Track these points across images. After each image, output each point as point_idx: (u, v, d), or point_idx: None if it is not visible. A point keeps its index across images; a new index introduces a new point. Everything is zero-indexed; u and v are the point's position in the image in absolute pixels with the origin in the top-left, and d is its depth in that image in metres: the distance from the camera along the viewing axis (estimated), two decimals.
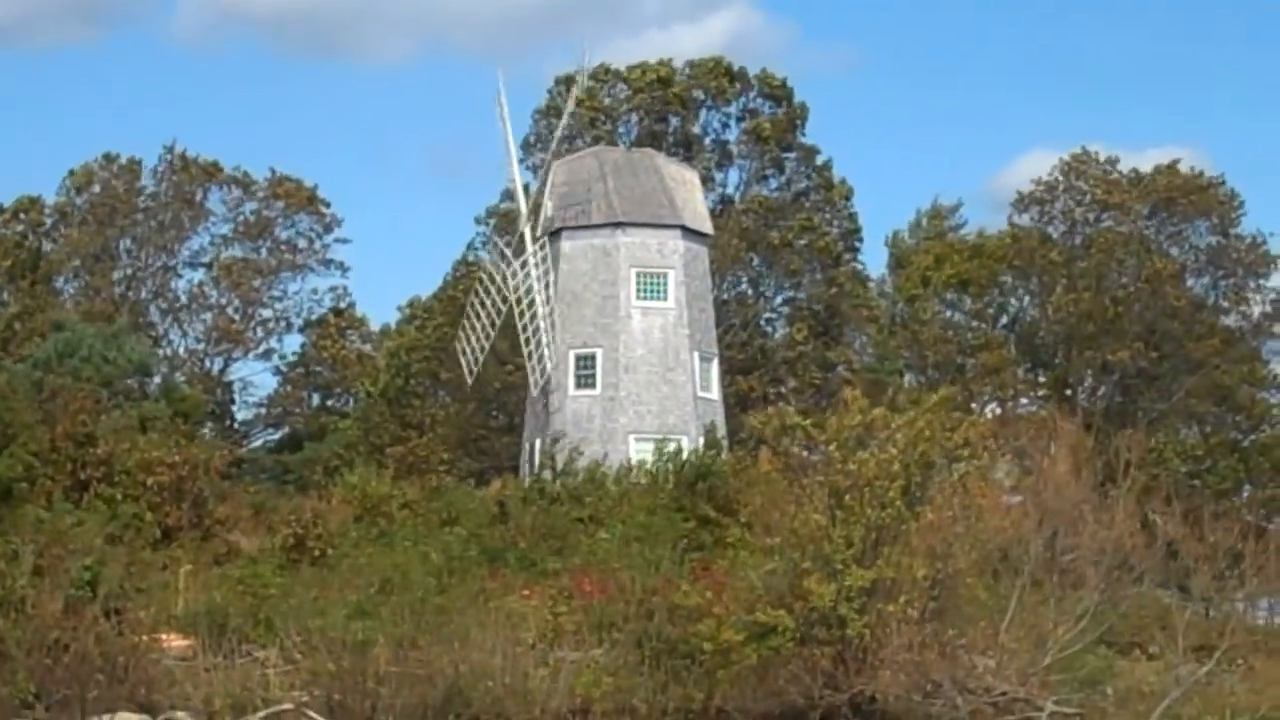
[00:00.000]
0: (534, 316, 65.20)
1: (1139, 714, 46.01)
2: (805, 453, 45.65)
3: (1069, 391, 78.18)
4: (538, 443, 65.49)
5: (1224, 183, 77.76)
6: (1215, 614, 50.85)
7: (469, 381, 67.51)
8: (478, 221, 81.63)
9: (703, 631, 42.30)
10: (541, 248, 66.23)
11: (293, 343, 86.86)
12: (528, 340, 65.63)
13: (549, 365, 65.41)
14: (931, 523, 42.95)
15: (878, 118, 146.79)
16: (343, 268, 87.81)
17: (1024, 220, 78.76)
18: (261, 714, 42.83)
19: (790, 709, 43.36)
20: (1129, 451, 49.38)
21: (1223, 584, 49.72)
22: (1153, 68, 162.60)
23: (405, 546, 49.82)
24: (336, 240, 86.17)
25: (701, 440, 61.17)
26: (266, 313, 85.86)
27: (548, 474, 61.07)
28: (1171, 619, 47.51)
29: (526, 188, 68.22)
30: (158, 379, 67.13)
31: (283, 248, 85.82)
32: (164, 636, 45.73)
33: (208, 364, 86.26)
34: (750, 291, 77.81)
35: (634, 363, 64.28)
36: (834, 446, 44.14)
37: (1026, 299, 78.55)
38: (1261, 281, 78.82)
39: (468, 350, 67.62)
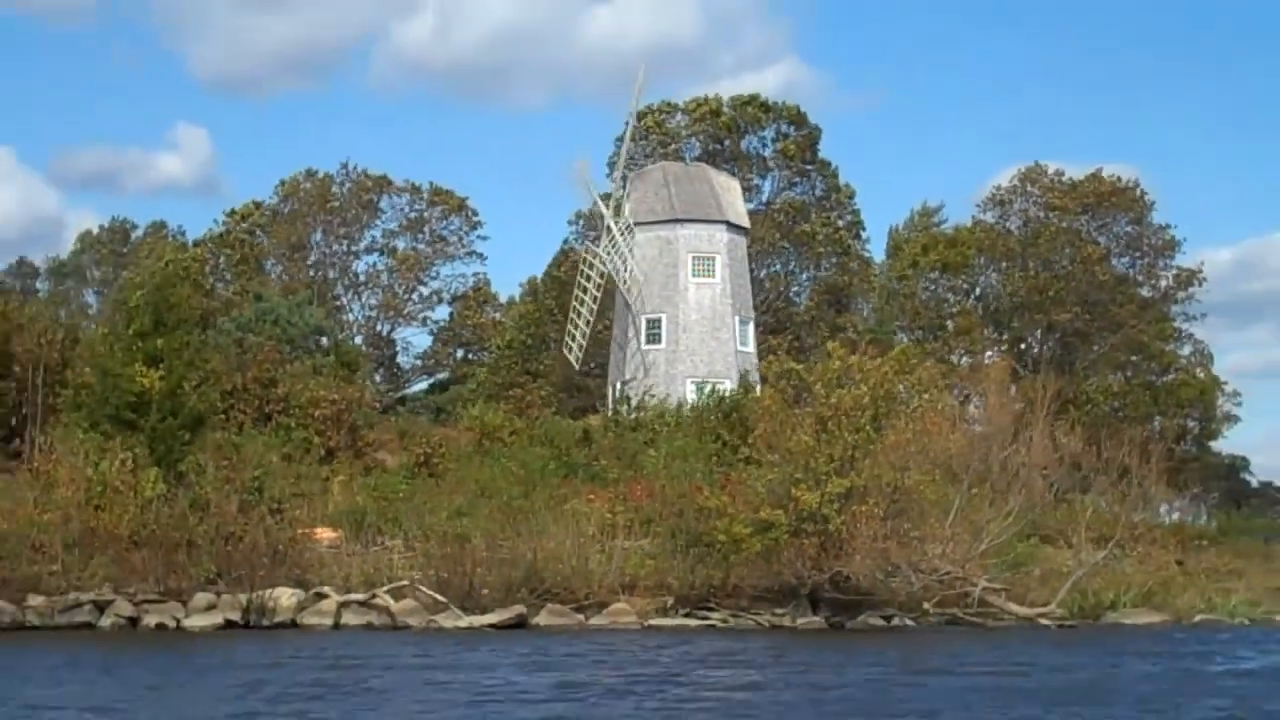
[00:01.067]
0: (622, 288, 66.54)
1: (1054, 588, 45.76)
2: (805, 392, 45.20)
3: (1022, 346, 77.72)
4: (618, 385, 65.38)
5: (1138, 185, 77.37)
6: (1112, 513, 50.28)
7: (578, 351, 66.86)
8: (570, 222, 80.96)
9: (719, 526, 42.15)
10: (625, 236, 65.98)
11: (443, 311, 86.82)
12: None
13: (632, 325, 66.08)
14: (894, 443, 42.52)
15: (889, 141, 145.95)
16: (481, 256, 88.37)
17: (989, 217, 77.81)
18: (386, 588, 42.53)
19: (786, 586, 43.44)
20: (1044, 390, 49.20)
21: (1118, 490, 49.29)
22: (1088, 99, 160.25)
23: (501, 463, 49.37)
24: (479, 236, 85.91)
25: (737, 384, 60.91)
26: (424, 289, 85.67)
27: (623, 409, 60.77)
28: (1078, 517, 47.14)
29: (607, 196, 66.49)
30: (329, 338, 66.51)
31: (438, 241, 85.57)
32: (317, 530, 45.58)
33: (379, 328, 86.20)
34: (781, 271, 77.37)
35: (690, 324, 64.80)
36: (819, 385, 43.88)
37: (992, 277, 77.42)
38: (1168, 261, 78.17)
39: (578, 322, 67.47)
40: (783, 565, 42.39)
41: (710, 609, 43.08)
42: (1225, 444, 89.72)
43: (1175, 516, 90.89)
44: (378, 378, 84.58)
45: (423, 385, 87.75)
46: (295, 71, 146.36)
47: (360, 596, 42.00)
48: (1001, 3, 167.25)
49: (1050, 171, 78.20)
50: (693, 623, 42.36)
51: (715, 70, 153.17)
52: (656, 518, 45.45)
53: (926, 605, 42.76)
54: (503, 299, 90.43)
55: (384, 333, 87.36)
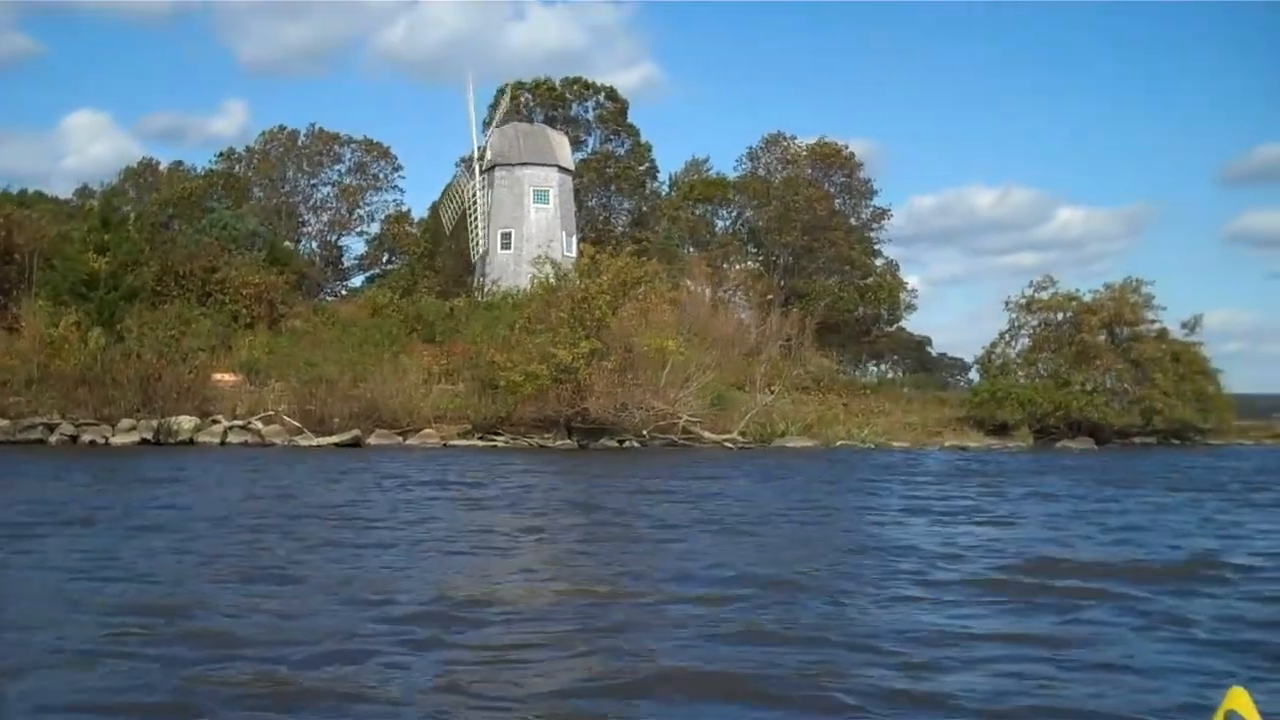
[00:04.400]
0: (479, 211, 63.69)
1: (735, 419, 43.70)
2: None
3: (771, 260, 75.32)
4: (481, 278, 63.31)
5: (848, 148, 75.18)
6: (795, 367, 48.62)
7: (479, 250, 64.27)
8: (456, 164, 77.95)
9: (501, 375, 39.69)
10: (484, 174, 63.70)
11: (375, 227, 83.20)
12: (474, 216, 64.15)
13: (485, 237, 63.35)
14: (625, 317, 40.27)
15: (688, 114, 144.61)
16: (401, 190, 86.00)
17: (746, 167, 75.44)
18: (259, 416, 40.25)
19: (551, 418, 40.98)
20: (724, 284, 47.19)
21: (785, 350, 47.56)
22: (839, 85, 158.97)
23: (356, 329, 46.74)
24: (400, 175, 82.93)
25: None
26: (362, 211, 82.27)
27: (477, 294, 58.93)
28: (754, 370, 45.24)
29: (483, 149, 63.96)
30: (263, 239, 63.24)
31: (371, 178, 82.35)
32: (220, 375, 43.33)
33: (330, 238, 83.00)
34: (599, 203, 74.21)
35: (531, 236, 62.68)
36: (576, 274, 41.55)
37: (749, 211, 74.87)
38: (867, 201, 76.21)
39: (475, 231, 64.34)
40: (547, 404, 40.28)
41: (497, 434, 41.05)
42: (915, 327, 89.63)
43: (881, 373, 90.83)
44: (329, 273, 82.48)
45: (360, 280, 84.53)
46: (308, 61, 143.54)
47: (240, 422, 39.75)
48: (781, 22, 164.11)
49: (787, 137, 75.84)
50: (481, 443, 40.33)
51: (595, 70, 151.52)
52: (463, 369, 43.26)
53: (645, 433, 40.75)
54: (416, 218, 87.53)
55: (333, 241, 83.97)
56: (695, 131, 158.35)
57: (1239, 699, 4.01)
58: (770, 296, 68.38)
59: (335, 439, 39.17)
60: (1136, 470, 34.60)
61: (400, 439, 40.28)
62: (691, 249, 73.54)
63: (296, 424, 39.60)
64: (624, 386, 40.06)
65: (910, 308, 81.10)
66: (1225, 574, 13.92)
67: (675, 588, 11.72)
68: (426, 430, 40.75)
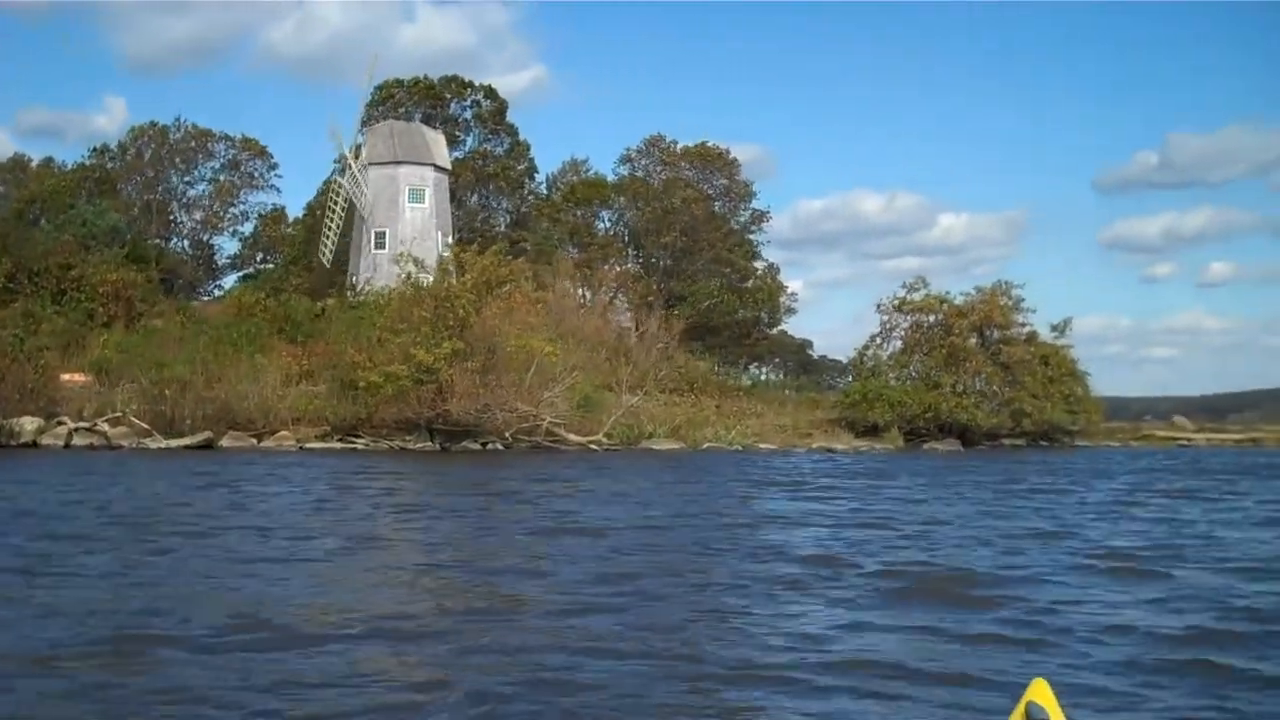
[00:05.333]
0: (357, 210, 62.74)
1: (602, 421, 43.13)
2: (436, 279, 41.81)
3: (650, 262, 74.86)
4: (355, 278, 61.95)
5: (729, 152, 75.23)
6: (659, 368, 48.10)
7: (328, 253, 62.57)
8: (334, 163, 76.24)
9: (361, 376, 38.49)
10: (359, 173, 62.31)
11: (250, 227, 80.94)
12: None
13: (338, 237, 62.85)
14: (489, 316, 39.33)
15: (579, 117, 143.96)
16: (277, 189, 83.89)
17: (625, 169, 74.89)
18: (106, 417, 38.73)
19: (412, 420, 39.89)
20: (601, 286, 46.58)
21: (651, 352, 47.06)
22: (735, 94, 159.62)
23: (219, 327, 45.21)
24: (275, 174, 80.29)
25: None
26: (236, 210, 79.85)
27: (349, 294, 57.70)
28: (622, 372, 44.65)
29: (358, 146, 62.54)
30: (125, 236, 61.26)
31: (246, 176, 79.99)
32: (69, 375, 41.57)
33: (203, 236, 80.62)
34: (478, 200, 73.08)
35: (405, 236, 60.86)
36: (440, 272, 40.63)
37: (630, 213, 74.25)
38: (745, 204, 76.25)
39: (329, 232, 62.88)
40: (408, 405, 39.21)
41: (358, 436, 39.94)
42: (800, 330, 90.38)
43: (763, 376, 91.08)
44: (201, 272, 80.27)
45: (233, 279, 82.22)
46: (191, 58, 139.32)
47: (86, 424, 38.13)
48: (673, 26, 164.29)
49: (667, 140, 75.56)
50: (339, 446, 39.23)
51: (486, 72, 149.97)
52: (323, 369, 42.03)
53: (507, 435, 39.94)
54: (291, 217, 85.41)
55: (206, 239, 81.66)
56: (585, 134, 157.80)
57: (1040, 690, 4.08)
58: (650, 298, 68.11)
59: (186, 441, 37.86)
60: (983, 471, 34.55)
61: (255, 441, 39.05)
62: (572, 250, 73.00)
63: (145, 426, 38.16)
64: (487, 388, 39.20)
65: (790, 311, 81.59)
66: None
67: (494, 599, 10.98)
68: (283, 432, 39.56)
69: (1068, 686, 6.89)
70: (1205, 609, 10.16)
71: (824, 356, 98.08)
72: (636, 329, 62.15)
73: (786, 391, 69.16)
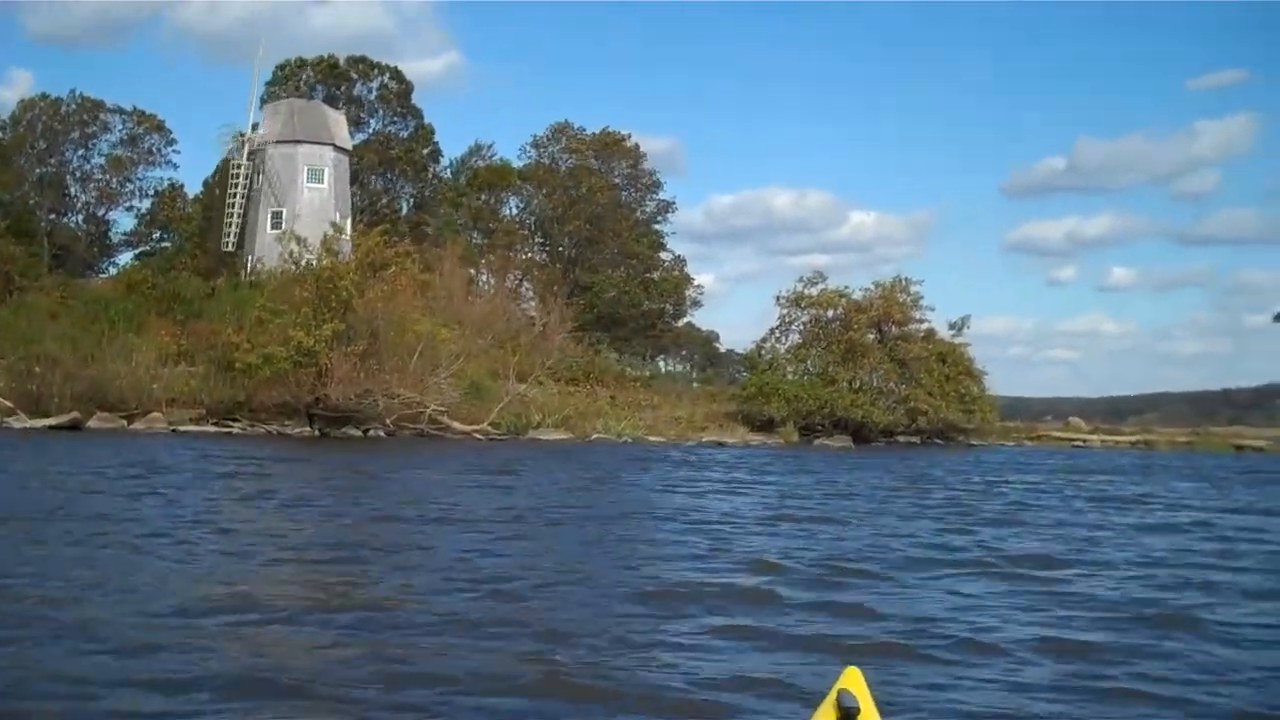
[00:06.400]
0: (251, 188, 60.91)
1: (506, 411, 42.22)
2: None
3: (556, 250, 73.95)
4: (250, 258, 60.31)
5: (631, 138, 74.18)
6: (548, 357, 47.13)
7: (232, 237, 60.69)
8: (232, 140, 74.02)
9: (239, 357, 37.16)
10: (257, 151, 60.90)
11: (146, 203, 78.54)
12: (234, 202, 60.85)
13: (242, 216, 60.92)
14: (372, 299, 38.19)
15: (493, 104, 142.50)
16: (175, 165, 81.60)
17: (531, 156, 73.75)
18: None
19: (292, 404, 38.63)
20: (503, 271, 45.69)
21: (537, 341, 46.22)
22: (651, 85, 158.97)
23: (93, 303, 43.65)
24: (174, 150, 77.90)
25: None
26: (132, 186, 77.41)
27: (241, 274, 56.25)
28: (509, 359, 43.73)
29: (256, 126, 61.09)
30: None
31: (145, 152, 77.62)
32: None
33: (98, 212, 78.18)
34: (381, 183, 71.57)
35: (303, 216, 58.95)
36: (323, 253, 39.46)
37: (537, 199, 73.17)
38: (653, 194, 75.48)
39: (232, 215, 60.89)
40: (288, 388, 38.06)
41: (234, 420, 38.64)
42: (709, 323, 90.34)
43: (670, 369, 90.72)
44: (96, 249, 77.96)
45: (129, 255, 79.93)
46: (101, 34, 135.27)
47: None
48: (590, 16, 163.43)
49: (575, 127, 74.41)
50: (213, 429, 37.91)
51: (401, 57, 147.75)
52: (200, 349, 40.63)
53: (388, 421, 38.87)
54: (190, 194, 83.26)
55: (101, 215, 79.26)
56: (500, 121, 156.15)
57: (852, 678, 4.11)
58: (555, 287, 67.18)
59: (51, 421, 36.35)
60: (846, 468, 34.19)
61: (125, 423, 37.62)
62: (476, 236, 71.89)
63: (9, 404, 36.59)
64: (369, 373, 38.12)
65: (696, 303, 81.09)
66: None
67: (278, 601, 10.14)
68: (154, 414, 38.16)
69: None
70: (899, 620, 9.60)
71: (731, 350, 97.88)
72: (541, 317, 61.33)
73: (694, 384, 68.84)
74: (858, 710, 3.87)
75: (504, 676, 7.02)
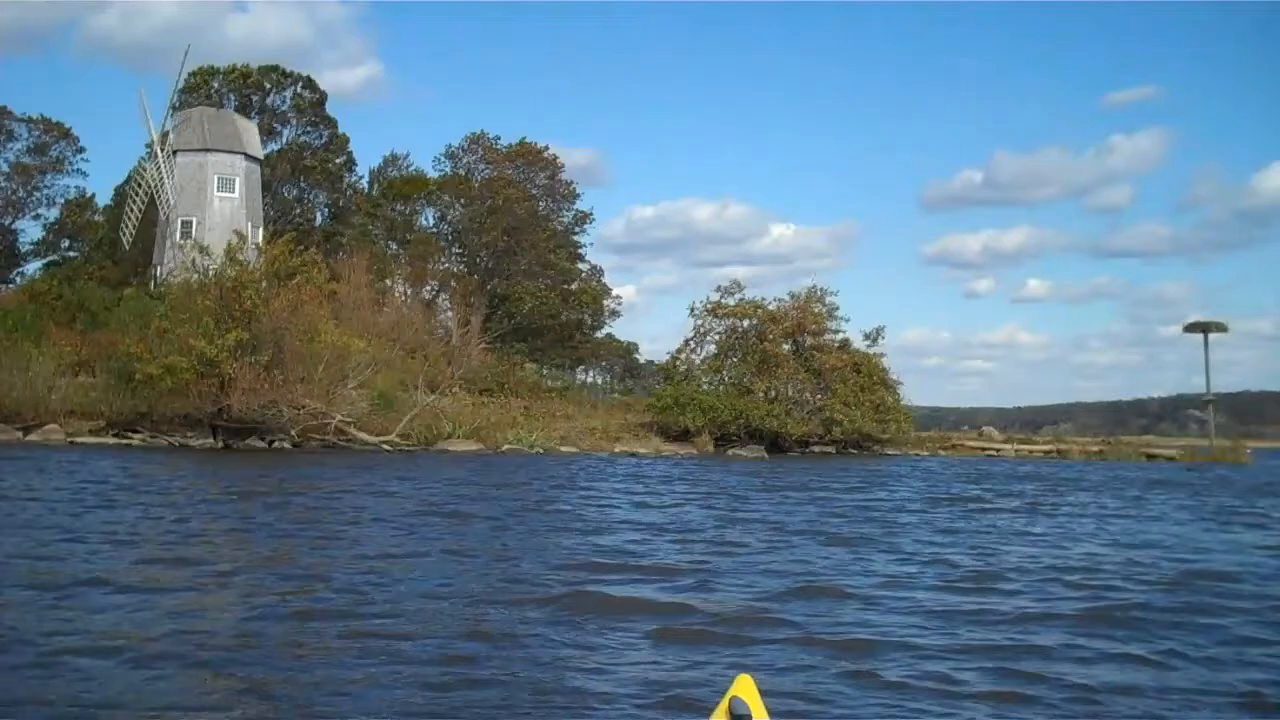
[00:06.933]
0: (162, 198, 59.49)
1: (419, 423, 41.54)
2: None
3: (474, 261, 73.24)
4: (158, 268, 59.26)
5: (549, 149, 73.94)
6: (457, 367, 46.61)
7: (128, 237, 59.63)
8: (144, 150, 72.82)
9: (140, 368, 36.24)
10: (168, 159, 59.56)
11: (54, 213, 77.05)
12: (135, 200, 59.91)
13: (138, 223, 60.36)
14: (277, 308, 37.39)
15: (412, 114, 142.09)
16: (84, 174, 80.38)
17: (447, 167, 73.05)
18: None
19: (195, 415, 37.73)
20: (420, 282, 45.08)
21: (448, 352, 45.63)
22: (568, 97, 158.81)
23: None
24: (83, 159, 76.64)
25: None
26: (39, 195, 75.88)
27: (150, 284, 55.26)
28: (417, 369, 43.08)
29: (167, 134, 59.71)
30: None
31: (53, 160, 76.06)
32: None
33: (4, 221, 76.49)
34: (294, 193, 70.55)
35: (213, 226, 58.46)
36: (227, 261, 38.66)
37: (453, 211, 72.43)
38: (570, 204, 75.18)
39: (129, 218, 60.16)
40: (190, 399, 37.17)
41: (135, 431, 37.72)
42: (629, 334, 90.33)
43: (589, 380, 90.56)
44: (2, 259, 76.40)
45: (37, 265, 78.25)
46: (13, 42, 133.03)
47: None
48: (511, 27, 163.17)
49: (490, 136, 73.89)
50: (113, 441, 37.00)
51: (321, 67, 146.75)
52: (101, 359, 39.66)
53: (293, 433, 38.13)
54: (100, 204, 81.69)
55: (7, 224, 77.50)
56: (420, 131, 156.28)
57: (744, 685, 4.15)
58: (471, 298, 66.61)
59: None
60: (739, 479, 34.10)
61: (20, 435, 36.54)
62: (392, 246, 71.14)
63: None
64: (273, 383, 37.33)
65: (614, 314, 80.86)
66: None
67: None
68: (51, 426, 37.12)
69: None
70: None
71: (651, 361, 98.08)
72: (459, 328, 60.74)
73: (614, 395, 68.41)
74: (749, 717, 3.93)
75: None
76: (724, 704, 4.18)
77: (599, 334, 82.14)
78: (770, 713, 4.37)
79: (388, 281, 58.18)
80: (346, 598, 9.81)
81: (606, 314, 79.63)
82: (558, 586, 10.74)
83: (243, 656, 7.44)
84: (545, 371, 73.80)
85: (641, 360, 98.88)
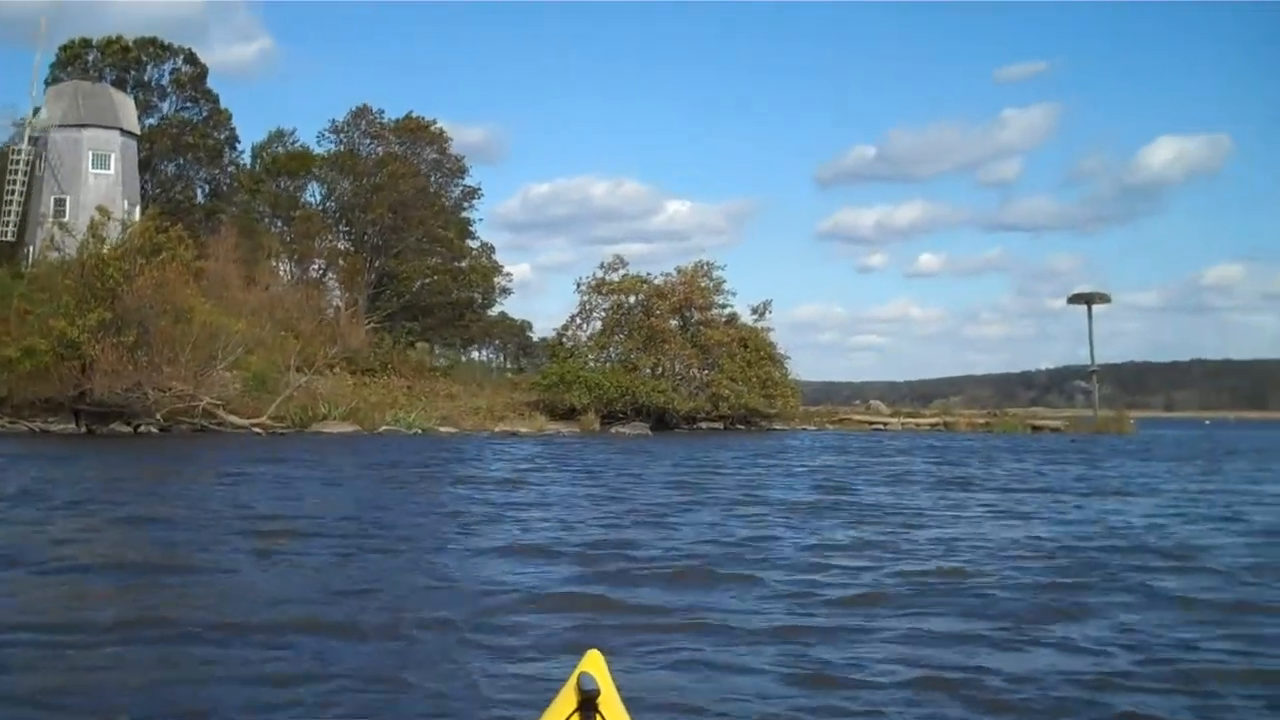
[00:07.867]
0: (31, 176, 57.02)
1: (270, 400, 40.37)
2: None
3: (361, 238, 71.73)
4: (31, 247, 57.04)
5: (437, 123, 72.41)
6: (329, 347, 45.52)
7: (11, 228, 57.15)
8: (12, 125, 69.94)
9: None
10: (38, 136, 57.12)
11: None
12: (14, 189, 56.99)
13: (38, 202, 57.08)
14: (141, 286, 36.06)
15: (305, 91, 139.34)
16: None
17: (332, 142, 71.46)
18: None
19: (57, 399, 36.30)
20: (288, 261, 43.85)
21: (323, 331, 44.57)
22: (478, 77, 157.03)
23: None
24: None
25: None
26: None
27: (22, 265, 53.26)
28: (289, 348, 41.99)
29: (38, 110, 57.54)
30: None
31: None
32: None
33: None
34: (174, 170, 68.42)
35: (88, 204, 55.32)
36: (90, 238, 37.33)
37: (340, 186, 70.81)
38: (459, 180, 73.88)
39: (10, 204, 57.14)
40: (52, 382, 35.81)
41: None
42: (523, 312, 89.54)
43: (481, 358, 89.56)
44: None
45: None
46: None
47: None
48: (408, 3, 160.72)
49: (374, 111, 72.27)
50: None
51: (211, 43, 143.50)
52: None
53: (159, 416, 36.88)
54: None
55: None
56: (312, 107, 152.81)
57: (593, 661, 4.19)
58: (358, 276, 65.39)
59: None
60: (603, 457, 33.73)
61: None
62: (277, 224, 69.52)
63: None
64: (138, 365, 36.08)
65: (506, 292, 79.90)
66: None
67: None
68: None
69: None
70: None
71: (544, 339, 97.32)
72: (346, 306, 59.59)
73: (506, 373, 67.51)
74: (598, 692, 3.89)
75: None
76: (573, 679, 4.13)
77: (491, 312, 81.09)
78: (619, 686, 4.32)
79: (271, 260, 56.80)
80: None
81: (498, 292, 78.64)
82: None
83: None
84: (436, 350, 72.79)
85: (535, 339, 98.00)
